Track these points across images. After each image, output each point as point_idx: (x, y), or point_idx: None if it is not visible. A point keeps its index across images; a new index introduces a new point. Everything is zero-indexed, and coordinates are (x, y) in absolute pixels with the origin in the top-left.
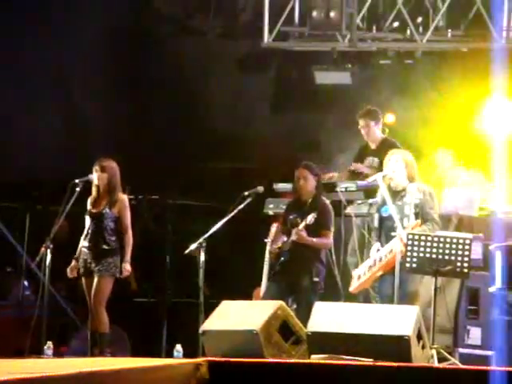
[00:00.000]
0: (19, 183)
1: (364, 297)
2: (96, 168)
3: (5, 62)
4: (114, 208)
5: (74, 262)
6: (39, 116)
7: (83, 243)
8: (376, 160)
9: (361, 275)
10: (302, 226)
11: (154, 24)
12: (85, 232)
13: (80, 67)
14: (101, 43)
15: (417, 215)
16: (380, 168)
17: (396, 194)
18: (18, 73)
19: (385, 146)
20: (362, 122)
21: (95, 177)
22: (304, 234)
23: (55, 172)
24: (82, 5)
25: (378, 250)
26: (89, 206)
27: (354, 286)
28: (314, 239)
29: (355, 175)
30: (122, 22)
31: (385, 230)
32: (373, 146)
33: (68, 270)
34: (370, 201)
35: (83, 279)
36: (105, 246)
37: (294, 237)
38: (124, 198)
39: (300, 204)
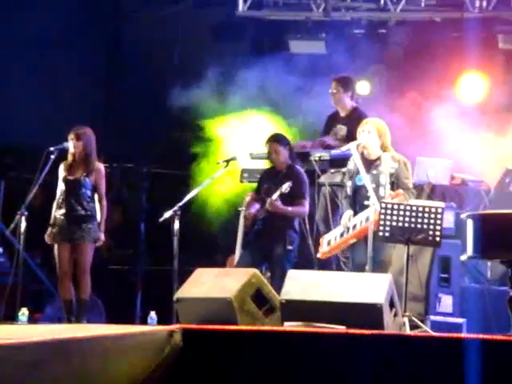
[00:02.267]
0: None
1: (336, 265)
2: (71, 136)
3: None
4: (91, 176)
5: (50, 229)
6: (13, 80)
7: (58, 211)
8: (344, 128)
9: (331, 241)
10: (276, 195)
11: None
12: (58, 198)
13: (56, 38)
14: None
15: (392, 184)
16: (348, 136)
17: (370, 163)
18: None
19: (355, 115)
20: (333, 87)
21: (71, 145)
22: (278, 203)
23: (29, 139)
24: None
25: (349, 218)
26: (63, 173)
27: (322, 252)
28: (289, 208)
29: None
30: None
31: (358, 198)
32: (342, 114)
33: (46, 236)
34: (344, 170)
35: (58, 246)
36: (83, 212)
37: (267, 206)
38: (101, 167)
39: (274, 173)
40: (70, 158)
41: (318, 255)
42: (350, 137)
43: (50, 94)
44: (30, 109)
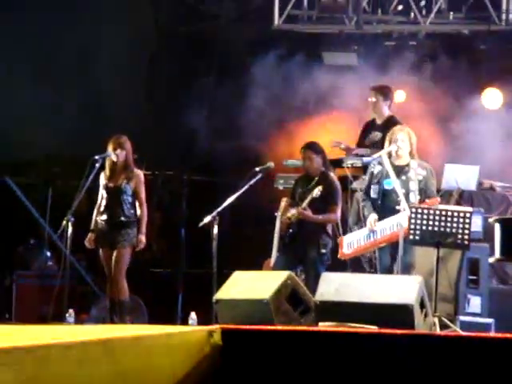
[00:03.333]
0: (40, 160)
1: (370, 268)
2: (114, 145)
3: (22, 41)
4: (131, 183)
5: (90, 234)
6: (56, 96)
7: (100, 216)
8: (379, 135)
9: (352, 243)
10: (305, 203)
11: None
12: (99, 205)
13: (99, 52)
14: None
15: (420, 191)
16: (383, 143)
17: (399, 169)
18: (35, 51)
19: (390, 123)
20: (372, 95)
21: (113, 154)
22: (307, 212)
23: (74, 148)
24: None
25: (375, 220)
26: (104, 181)
27: (343, 253)
28: (319, 216)
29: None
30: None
31: (387, 202)
32: (379, 121)
33: (86, 241)
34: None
35: (101, 250)
36: (124, 219)
37: (297, 215)
38: (140, 173)
39: (308, 179)
40: (111, 166)
41: (339, 256)
42: (385, 143)
43: (94, 106)
44: (75, 120)
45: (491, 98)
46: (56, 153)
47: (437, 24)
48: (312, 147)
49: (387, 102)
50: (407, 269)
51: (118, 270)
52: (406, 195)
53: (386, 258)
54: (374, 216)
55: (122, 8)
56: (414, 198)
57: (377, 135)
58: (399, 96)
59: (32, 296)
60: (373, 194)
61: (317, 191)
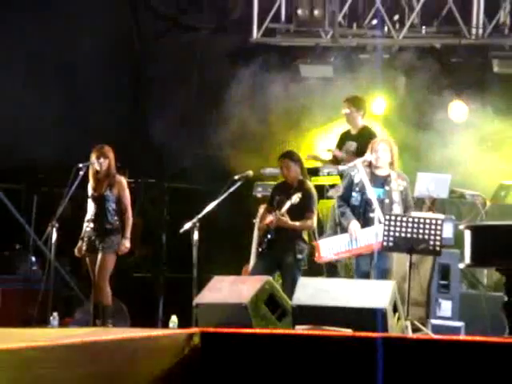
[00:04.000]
0: (26, 167)
1: (345, 273)
2: (97, 154)
3: (6, 49)
4: (113, 189)
5: (80, 243)
6: (42, 104)
7: (88, 224)
8: (354, 144)
9: (332, 248)
10: (284, 209)
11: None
12: (88, 214)
13: (83, 62)
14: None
15: (402, 201)
16: (357, 153)
17: (380, 179)
18: (18, 60)
19: (364, 133)
20: (344, 107)
21: (96, 163)
22: (284, 219)
23: (59, 156)
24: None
25: (357, 228)
26: (90, 191)
27: (323, 257)
28: (297, 223)
29: (335, 161)
30: (120, 24)
31: (362, 211)
32: (353, 132)
33: (75, 250)
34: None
35: (88, 256)
36: (108, 226)
37: (275, 222)
38: (121, 179)
39: (286, 187)
40: (93, 175)
41: (316, 259)
42: (359, 152)
43: (77, 114)
44: (59, 127)
45: (457, 110)
46: (41, 159)
47: (410, 38)
48: (290, 156)
49: (360, 113)
50: (384, 274)
51: (102, 276)
52: (390, 205)
53: (363, 264)
54: (356, 224)
55: (101, 19)
56: (398, 208)
57: (352, 145)
58: (379, 106)
59: (17, 300)
60: (354, 202)
61: (296, 198)
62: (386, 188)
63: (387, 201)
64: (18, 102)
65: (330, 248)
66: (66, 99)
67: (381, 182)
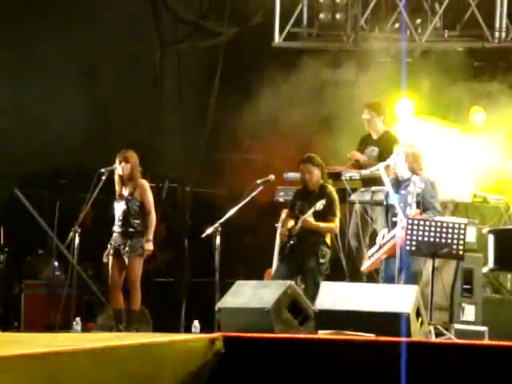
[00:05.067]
0: (49, 172)
1: (367, 277)
2: (120, 159)
3: (29, 56)
4: (135, 193)
5: (109, 248)
6: (64, 110)
7: (114, 228)
8: (376, 149)
9: (371, 256)
10: (309, 213)
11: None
12: (115, 219)
13: (106, 66)
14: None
15: (418, 204)
16: (379, 158)
17: (401, 184)
18: (42, 66)
19: (385, 138)
20: (365, 113)
21: (119, 167)
22: (311, 220)
23: (81, 161)
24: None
25: (384, 234)
26: (116, 195)
27: (364, 266)
28: (321, 224)
29: (357, 166)
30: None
31: (389, 215)
32: (374, 137)
33: (104, 255)
34: (373, 188)
35: (111, 259)
36: (130, 229)
37: (300, 223)
38: (143, 182)
39: (307, 192)
40: (118, 179)
41: (362, 268)
42: (382, 157)
43: (101, 119)
44: (82, 133)
45: (479, 115)
46: (64, 165)
47: (432, 41)
48: (311, 160)
49: (381, 118)
50: (413, 278)
51: (130, 280)
52: (404, 209)
53: (389, 269)
54: (383, 231)
55: (123, 25)
56: (410, 211)
57: (373, 150)
58: (404, 109)
59: (40, 305)
60: (383, 209)
61: (320, 204)
62: (402, 192)
63: (401, 204)
64: (42, 109)
65: (369, 257)
66: (88, 105)
67: (402, 186)
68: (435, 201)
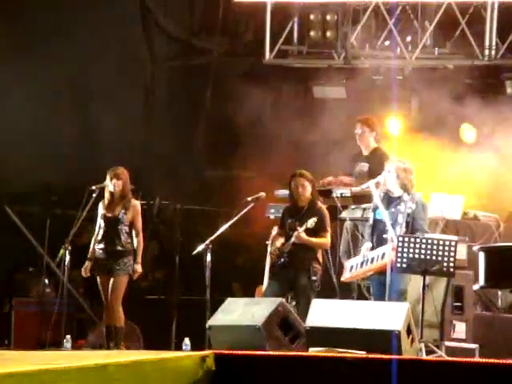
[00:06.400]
0: (39, 190)
1: (358, 294)
2: (111, 176)
3: (23, 75)
4: (128, 213)
5: (87, 263)
6: (55, 127)
7: (98, 245)
8: (366, 165)
9: (353, 267)
10: (302, 228)
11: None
12: (97, 234)
13: (97, 83)
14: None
15: (407, 224)
16: (370, 174)
17: (392, 201)
18: (32, 85)
19: (376, 154)
20: (357, 127)
21: (110, 184)
22: (304, 235)
23: (72, 178)
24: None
25: (368, 249)
26: (102, 211)
27: (345, 277)
28: (314, 239)
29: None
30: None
31: (377, 231)
32: (365, 153)
33: (82, 270)
34: (364, 205)
35: (98, 278)
36: (121, 248)
37: (294, 239)
38: (137, 203)
39: (297, 209)
40: (108, 196)
41: (342, 279)
42: (371, 174)
43: (91, 137)
44: (72, 150)
45: (469, 132)
46: (54, 182)
47: (422, 59)
48: (305, 175)
49: (373, 134)
50: (399, 296)
51: (115, 298)
52: (394, 227)
53: (377, 286)
54: (367, 245)
55: (113, 43)
56: (400, 231)
57: (364, 166)
58: (394, 127)
59: (30, 322)
60: (370, 222)
61: (311, 222)
62: (392, 210)
63: (391, 222)
64: (31, 126)
65: (351, 267)
66: (78, 122)
67: (393, 203)
68: (425, 223)
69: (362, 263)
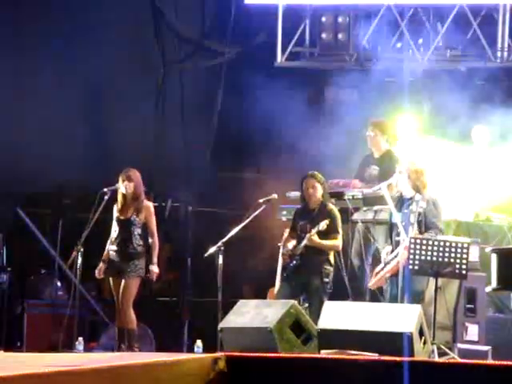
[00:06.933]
0: (52, 192)
1: (370, 296)
2: (123, 178)
3: (32, 75)
4: (140, 215)
5: (101, 264)
6: (67, 129)
7: (111, 247)
8: (377, 168)
9: (377, 273)
10: (314, 231)
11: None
12: (112, 236)
13: (108, 85)
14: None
15: (419, 223)
16: (380, 176)
17: (404, 202)
18: (44, 86)
19: (387, 157)
20: (369, 130)
21: (122, 186)
22: (316, 238)
23: (84, 181)
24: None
25: (388, 252)
26: (116, 213)
27: (371, 282)
28: (325, 242)
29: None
30: (144, 48)
31: (392, 234)
32: (376, 155)
33: (96, 271)
34: (375, 207)
35: (111, 279)
36: (132, 250)
37: (306, 241)
38: (149, 205)
39: (308, 211)
40: (121, 198)
41: (369, 285)
42: (383, 176)
43: (104, 139)
44: (85, 153)
45: (481, 134)
46: (67, 185)
47: (435, 61)
48: (316, 176)
49: (385, 137)
50: (416, 297)
51: (126, 300)
52: (407, 227)
53: (393, 288)
54: (386, 248)
55: (125, 44)
56: (412, 231)
57: (375, 169)
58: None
59: (43, 325)
60: (387, 228)
61: (323, 224)
62: (405, 211)
63: (403, 223)
64: (45, 129)
65: (375, 273)
66: (91, 125)
67: (406, 204)
68: (438, 220)
69: (382, 268)
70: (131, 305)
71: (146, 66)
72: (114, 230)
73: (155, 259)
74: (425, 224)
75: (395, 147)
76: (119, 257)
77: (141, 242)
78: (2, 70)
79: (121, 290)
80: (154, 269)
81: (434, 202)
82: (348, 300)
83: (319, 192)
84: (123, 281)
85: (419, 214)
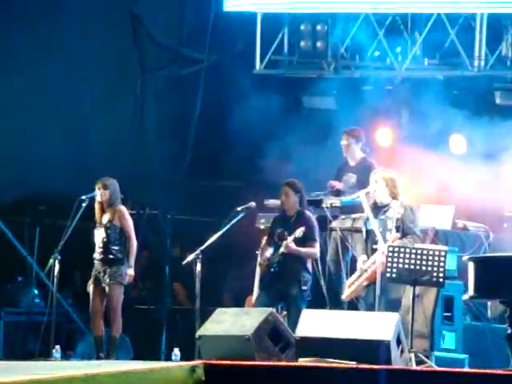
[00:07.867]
0: (29, 199)
1: (348, 304)
2: (98, 186)
3: (9, 84)
4: (114, 219)
5: (92, 279)
6: (43, 138)
7: (95, 256)
8: (354, 176)
9: (351, 284)
10: (291, 238)
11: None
12: (95, 247)
13: (86, 93)
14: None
15: (397, 229)
16: (358, 184)
17: (379, 209)
18: (21, 95)
19: (362, 165)
20: (343, 139)
21: (98, 194)
22: (293, 245)
23: (61, 188)
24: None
25: (364, 261)
26: (96, 222)
27: (345, 294)
28: (303, 249)
29: (335, 192)
30: (122, 55)
31: (370, 242)
32: (352, 163)
33: (88, 286)
34: (354, 215)
35: (92, 287)
36: (110, 256)
37: (282, 249)
38: (122, 208)
39: (286, 218)
40: (97, 206)
41: (343, 297)
42: (359, 184)
43: (81, 147)
44: (62, 160)
45: (458, 142)
46: (44, 192)
47: (412, 69)
48: (291, 184)
49: (359, 145)
50: (392, 305)
51: (111, 309)
52: (384, 234)
53: (369, 296)
54: (362, 257)
55: (103, 51)
56: (390, 237)
57: (352, 177)
58: (384, 138)
59: (19, 333)
60: (363, 236)
61: (299, 232)
62: (382, 217)
63: (381, 229)
64: (21, 136)
65: (349, 285)
66: (67, 133)
67: (381, 211)
68: (415, 226)
69: (358, 277)
70: (118, 312)
71: (123, 73)
72: (95, 239)
73: (132, 262)
74: (402, 229)
75: (370, 155)
76: (100, 264)
77: (118, 248)
78: None
79: (107, 299)
80: (130, 271)
81: (411, 208)
82: (326, 308)
83: (293, 200)
84: (106, 289)
85: (397, 219)
